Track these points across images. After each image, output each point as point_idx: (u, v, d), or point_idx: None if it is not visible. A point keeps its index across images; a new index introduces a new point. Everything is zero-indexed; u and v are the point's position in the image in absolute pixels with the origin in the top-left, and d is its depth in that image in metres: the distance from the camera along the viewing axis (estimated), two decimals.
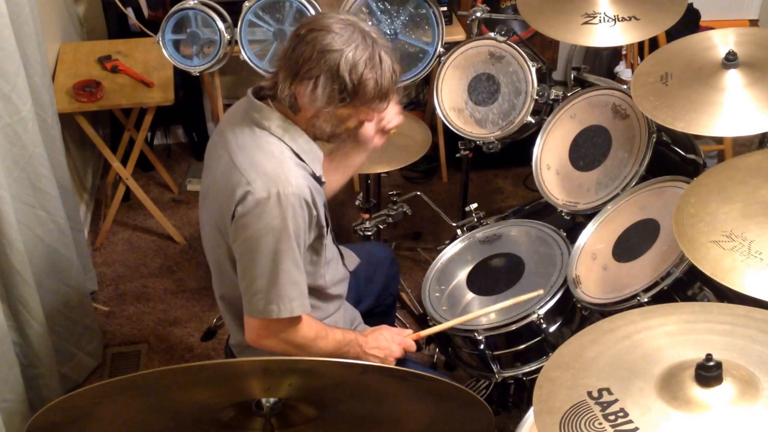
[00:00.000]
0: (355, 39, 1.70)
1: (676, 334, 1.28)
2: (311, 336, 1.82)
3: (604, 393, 1.19)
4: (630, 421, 1.14)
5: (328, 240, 1.91)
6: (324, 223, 1.84)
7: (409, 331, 2.04)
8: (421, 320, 2.35)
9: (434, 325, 2.21)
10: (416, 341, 2.04)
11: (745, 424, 1.11)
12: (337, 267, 2.03)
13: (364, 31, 1.72)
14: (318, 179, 1.83)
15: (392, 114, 2.01)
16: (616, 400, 1.17)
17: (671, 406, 1.15)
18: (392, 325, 2.51)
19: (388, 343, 1.94)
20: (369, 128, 1.97)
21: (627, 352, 1.26)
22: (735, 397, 1.14)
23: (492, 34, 2.54)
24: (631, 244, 2.06)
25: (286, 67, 1.74)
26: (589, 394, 1.19)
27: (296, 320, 1.79)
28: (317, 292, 1.93)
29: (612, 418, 1.15)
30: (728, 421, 1.12)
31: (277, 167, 1.73)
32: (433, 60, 2.72)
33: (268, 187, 1.69)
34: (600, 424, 1.14)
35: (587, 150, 2.34)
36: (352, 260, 2.15)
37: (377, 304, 2.34)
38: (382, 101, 1.77)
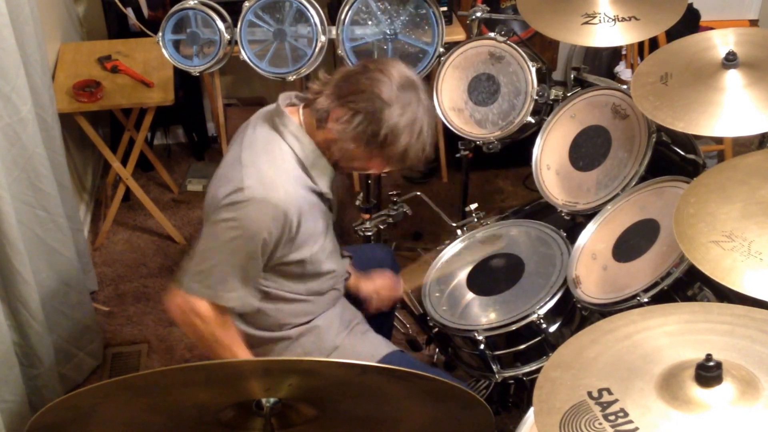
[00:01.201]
0: (410, 102, 1.73)
1: (676, 334, 1.28)
2: (210, 316, 1.80)
3: (604, 393, 1.19)
4: (630, 421, 1.14)
5: (319, 246, 1.90)
6: (313, 235, 1.85)
7: None
8: (421, 320, 2.35)
9: (434, 325, 2.22)
10: (415, 341, 2.04)
11: (745, 424, 1.11)
12: (338, 262, 2.04)
13: (421, 100, 1.75)
14: (321, 195, 1.85)
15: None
16: (616, 400, 1.17)
17: (671, 406, 1.15)
18: (390, 328, 2.52)
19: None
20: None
21: (627, 352, 1.26)
22: (735, 397, 1.14)
23: (492, 34, 2.54)
24: (631, 245, 2.06)
25: (338, 85, 1.77)
26: (589, 394, 1.19)
27: (197, 299, 1.79)
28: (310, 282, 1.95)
29: (612, 418, 1.15)
30: (728, 421, 1.12)
31: (274, 174, 1.75)
32: (433, 60, 2.72)
33: (256, 190, 1.72)
34: (600, 424, 1.14)
35: (587, 150, 2.34)
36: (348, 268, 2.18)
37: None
38: (399, 164, 1.80)
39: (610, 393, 1.19)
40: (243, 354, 1.86)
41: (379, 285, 2.21)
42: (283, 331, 1.96)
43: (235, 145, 1.86)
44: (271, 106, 1.90)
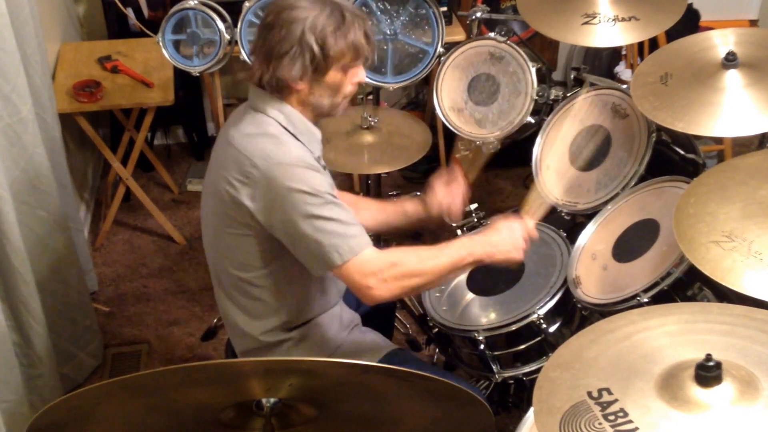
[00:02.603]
0: (315, 5, 1.74)
1: (676, 334, 1.28)
2: (410, 260, 1.78)
3: (604, 393, 1.19)
4: (630, 421, 1.14)
5: None
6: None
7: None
8: (421, 320, 2.35)
9: (434, 325, 2.22)
10: (415, 341, 2.04)
11: (745, 424, 1.11)
12: None
13: None
14: (317, 160, 1.85)
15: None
16: (615, 400, 1.17)
17: (671, 406, 1.15)
18: (391, 328, 2.51)
19: (512, 233, 1.91)
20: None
21: (627, 352, 1.26)
22: (735, 397, 1.14)
23: (492, 35, 2.54)
24: (631, 245, 2.06)
25: (260, 53, 1.78)
26: (589, 394, 1.19)
27: (367, 257, 1.74)
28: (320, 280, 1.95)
29: (612, 418, 1.15)
30: (728, 421, 1.12)
31: (276, 145, 1.76)
32: (433, 60, 2.72)
33: (270, 164, 1.72)
34: (600, 424, 1.15)
35: (587, 150, 2.34)
36: None
37: (377, 308, 2.33)
38: (358, 58, 1.80)
39: (609, 393, 1.19)
40: (457, 245, 1.85)
41: (444, 200, 2.14)
42: (285, 333, 1.95)
43: (220, 150, 1.85)
44: (238, 109, 1.90)
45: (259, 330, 1.93)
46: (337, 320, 2.04)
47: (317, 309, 1.98)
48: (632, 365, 1.23)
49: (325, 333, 2.00)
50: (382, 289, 1.75)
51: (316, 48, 1.73)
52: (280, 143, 1.77)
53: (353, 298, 2.16)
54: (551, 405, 1.20)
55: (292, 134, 1.80)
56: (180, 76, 3.16)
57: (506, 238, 1.90)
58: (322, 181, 1.76)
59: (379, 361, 1.96)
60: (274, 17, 1.76)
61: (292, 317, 1.95)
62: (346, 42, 1.75)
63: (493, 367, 2.15)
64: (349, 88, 1.83)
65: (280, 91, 1.79)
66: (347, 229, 1.74)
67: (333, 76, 1.78)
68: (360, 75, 1.84)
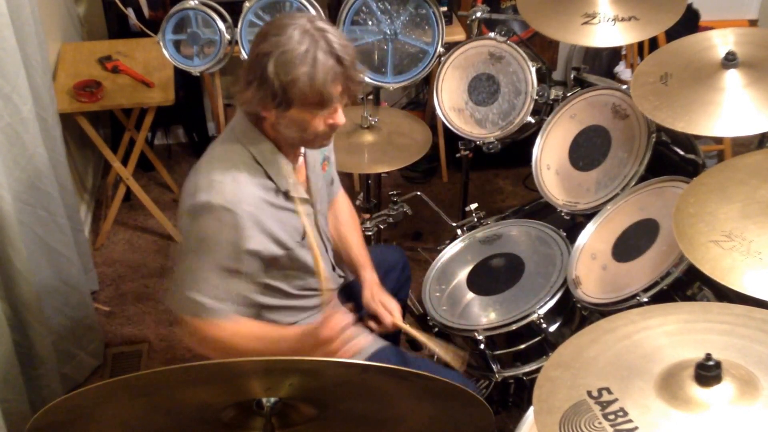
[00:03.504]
0: (290, 39, 1.62)
1: (676, 333, 1.29)
2: (224, 336, 1.77)
3: (604, 392, 1.19)
4: (629, 421, 1.14)
5: (295, 244, 1.86)
6: (281, 234, 1.81)
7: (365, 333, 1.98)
8: (421, 320, 2.36)
9: (434, 325, 2.22)
10: (415, 341, 2.03)
11: (745, 423, 1.11)
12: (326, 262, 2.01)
13: (305, 29, 1.64)
14: (285, 193, 1.81)
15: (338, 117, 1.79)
16: (615, 400, 1.18)
17: (671, 406, 1.15)
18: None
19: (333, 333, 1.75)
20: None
21: (627, 351, 1.26)
22: (734, 397, 1.14)
23: (492, 35, 2.54)
24: (630, 244, 2.06)
25: (242, 76, 1.71)
26: (589, 393, 1.20)
27: (204, 320, 1.76)
28: (289, 295, 1.93)
29: (612, 417, 1.15)
30: (727, 421, 1.12)
31: (225, 178, 1.71)
32: (433, 60, 2.72)
33: (208, 196, 1.69)
34: (599, 423, 1.15)
35: (587, 150, 2.34)
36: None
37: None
38: (323, 106, 1.68)
39: (609, 392, 1.19)
40: (290, 332, 1.84)
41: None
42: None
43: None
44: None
45: None
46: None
47: (301, 314, 1.97)
48: (632, 365, 1.23)
49: None
50: (194, 345, 1.80)
51: (276, 84, 1.63)
52: (230, 177, 1.72)
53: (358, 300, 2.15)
54: (551, 404, 1.20)
55: (258, 162, 1.76)
56: (180, 76, 3.16)
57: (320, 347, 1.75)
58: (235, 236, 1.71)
59: (369, 356, 1.96)
60: (260, 38, 1.68)
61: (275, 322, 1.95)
62: (312, 87, 1.63)
63: (493, 366, 2.15)
64: (321, 128, 1.72)
65: (254, 114, 1.75)
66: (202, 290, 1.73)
67: (297, 113, 1.69)
68: (336, 118, 1.73)
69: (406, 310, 2.54)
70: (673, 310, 1.35)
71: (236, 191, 1.71)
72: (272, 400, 1.47)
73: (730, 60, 1.94)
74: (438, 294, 2.28)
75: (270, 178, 1.78)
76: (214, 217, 1.70)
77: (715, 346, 1.21)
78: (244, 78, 1.69)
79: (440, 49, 2.70)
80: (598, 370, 1.24)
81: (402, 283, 2.34)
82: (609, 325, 1.34)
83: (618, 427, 1.14)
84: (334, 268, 2.07)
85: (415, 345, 2.77)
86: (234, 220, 1.71)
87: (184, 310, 1.77)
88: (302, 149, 1.88)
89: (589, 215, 2.22)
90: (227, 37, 2.64)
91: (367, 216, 2.77)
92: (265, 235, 1.78)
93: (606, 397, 1.19)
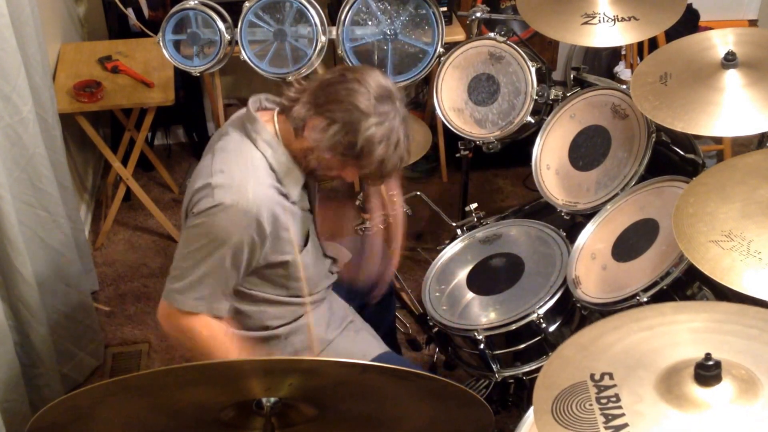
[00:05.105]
0: (387, 113, 1.71)
1: (701, 331, 1.28)
2: (205, 334, 1.80)
3: (606, 377, 1.20)
4: (619, 407, 1.15)
5: (300, 249, 1.89)
6: (290, 239, 1.82)
7: None
8: (421, 320, 2.36)
9: (434, 325, 2.22)
10: (415, 341, 2.04)
11: (745, 423, 1.11)
12: (319, 271, 2.03)
13: (398, 110, 1.74)
14: (293, 202, 1.83)
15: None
16: (614, 386, 1.19)
17: (670, 405, 1.15)
18: (392, 326, 2.51)
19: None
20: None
21: (643, 342, 1.26)
22: (734, 396, 1.14)
23: (492, 35, 2.54)
24: (630, 244, 2.06)
25: (315, 93, 1.74)
26: (592, 376, 1.21)
27: (194, 315, 1.79)
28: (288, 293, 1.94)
29: (603, 401, 1.16)
30: (727, 421, 1.12)
31: (245, 178, 1.73)
32: (433, 60, 2.72)
33: (226, 195, 1.70)
34: (590, 405, 1.16)
35: (587, 150, 2.34)
36: (343, 255, 2.16)
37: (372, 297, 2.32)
38: (379, 179, 1.82)
39: (611, 378, 1.20)
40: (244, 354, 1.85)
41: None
42: (269, 331, 1.96)
43: (208, 152, 1.84)
44: (242, 111, 1.87)
45: (242, 330, 1.93)
46: (325, 318, 2.04)
47: (300, 311, 1.97)
48: (642, 356, 1.24)
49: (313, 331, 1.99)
50: (167, 330, 1.84)
51: (357, 149, 1.71)
52: (249, 178, 1.75)
53: (344, 290, 2.16)
54: (553, 381, 1.22)
55: (273, 169, 1.78)
56: (180, 76, 3.16)
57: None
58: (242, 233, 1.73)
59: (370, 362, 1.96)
60: (352, 79, 1.72)
61: (273, 321, 1.95)
62: (382, 165, 1.74)
63: (493, 366, 2.15)
64: (334, 172, 1.82)
65: (296, 129, 1.77)
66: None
67: (345, 165, 1.78)
68: (349, 177, 1.84)
69: (397, 304, 2.56)
70: (707, 309, 1.35)
71: (257, 193, 1.73)
72: (272, 400, 1.47)
73: (729, 60, 1.94)
74: (438, 294, 2.29)
75: (281, 184, 1.80)
76: (229, 217, 1.70)
77: (715, 345, 1.21)
78: (328, 110, 1.72)
79: (440, 49, 2.71)
80: (610, 356, 1.25)
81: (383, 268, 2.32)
82: (640, 314, 1.34)
83: (605, 411, 1.15)
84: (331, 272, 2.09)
85: (414, 345, 2.78)
86: (252, 223, 1.72)
87: (168, 297, 1.79)
88: None
89: (588, 215, 2.22)
90: (227, 37, 2.64)
91: (367, 216, 2.77)
92: (279, 240, 1.80)
93: (606, 381, 1.20)
